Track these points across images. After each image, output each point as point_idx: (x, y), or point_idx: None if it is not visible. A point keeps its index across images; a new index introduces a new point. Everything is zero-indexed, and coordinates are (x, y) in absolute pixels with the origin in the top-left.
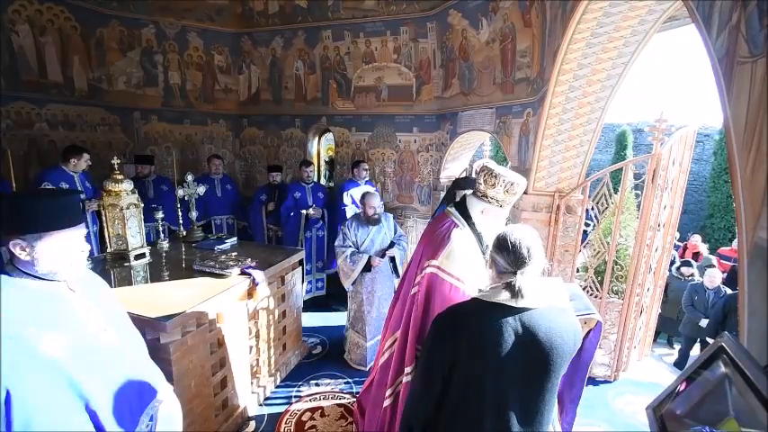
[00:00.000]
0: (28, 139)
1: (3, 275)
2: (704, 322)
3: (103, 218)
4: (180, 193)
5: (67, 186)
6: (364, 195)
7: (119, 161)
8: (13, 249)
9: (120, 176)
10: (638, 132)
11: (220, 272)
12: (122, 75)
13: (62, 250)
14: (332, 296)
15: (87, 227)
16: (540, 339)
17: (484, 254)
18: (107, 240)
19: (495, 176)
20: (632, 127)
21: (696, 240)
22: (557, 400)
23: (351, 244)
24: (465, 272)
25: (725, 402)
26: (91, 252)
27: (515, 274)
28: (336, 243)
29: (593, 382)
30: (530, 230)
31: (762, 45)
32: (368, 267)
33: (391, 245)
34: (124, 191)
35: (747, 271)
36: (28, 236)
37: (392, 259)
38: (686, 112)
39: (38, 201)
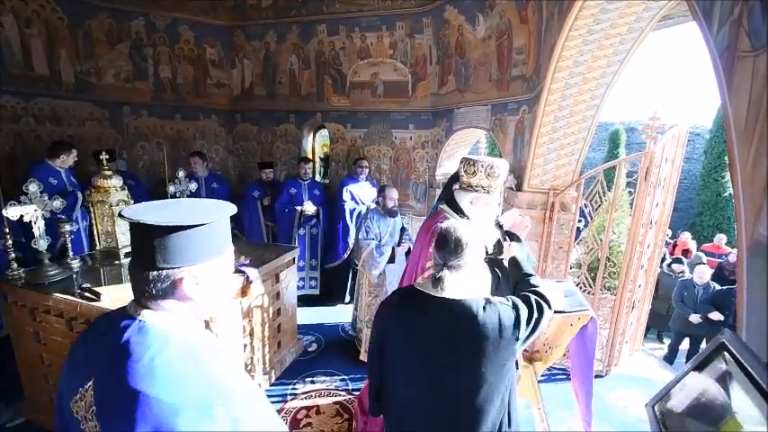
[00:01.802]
0: (13, 134)
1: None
2: (694, 318)
3: (92, 215)
4: (171, 189)
5: (55, 182)
6: (384, 188)
7: (107, 156)
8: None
9: (109, 172)
10: (631, 131)
11: None
12: (111, 68)
13: None
14: (325, 294)
15: (77, 223)
16: (461, 328)
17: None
18: (96, 238)
19: (474, 164)
20: (625, 125)
21: (686, 237)
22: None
23: (374, 236)
24: None
25: (726, 399)
26: (80, 249)
27: (443, 267)
28: (360, 236)
29: None
30: (466, 228)
31: (764, 38)
32: (392, 259)
33: (401, 237)
34: (113, 187)
35: (747, 267)
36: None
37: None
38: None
39: None
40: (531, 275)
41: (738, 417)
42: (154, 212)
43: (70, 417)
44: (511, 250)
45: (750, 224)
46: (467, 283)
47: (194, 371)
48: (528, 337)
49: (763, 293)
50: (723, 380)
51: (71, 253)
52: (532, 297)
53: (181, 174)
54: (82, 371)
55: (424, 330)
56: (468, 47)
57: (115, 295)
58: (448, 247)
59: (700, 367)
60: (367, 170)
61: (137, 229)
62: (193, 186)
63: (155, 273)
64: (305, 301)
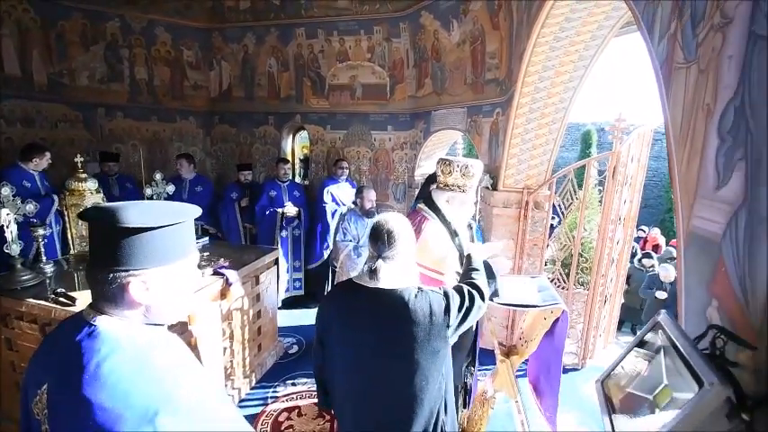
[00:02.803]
0: None
1: None
2: (661, 294)
3: (66, 218)
4: (148, 192)
5: (29, 186)
6: (362, 189)
7: (82, 159)
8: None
9: (83, 175)
10: (602, 131)
11: None
12: (85, 69)
13: None
14: (310, 295)
15: (51, 227)
16: (393, 316)
17: (456, 244)
18: (70, 242)
19: (449, 164)
20: (596, 126)
21: (656, 233)
22: (534, 389)
23: (351, 238)
24: (441, 262)
25: (660, 372)
26: (54, 254)
27: (377, 258)
28: (338, 239)
29: (563, 370)
30: (397, 219)
31: (694, 52)
32: None
33: None
34: (88, 190)
35: (684, 256)
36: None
37: None
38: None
39: None
40: (476, 270)
41: (669, 386)
42: (114, 212)
43: (33, 418)
44: (472, 248)
45: (686, 217)
46: (400, 273)
47: (141, 377)
48: (459, 324)
49: (698, 278)
50: (658, 354)
51: (44, 257)
52: (465, 287)
53: (158, 176)
54: (39, 373)
55: (360, 320)
56: (444, 51)
57: (88, 300)
58: (381, 240)
59: (640, 344)
60: (347, 171)
61: (92, 227)
62: (170, 189)
63: (106, 275)
64: (290, 303)
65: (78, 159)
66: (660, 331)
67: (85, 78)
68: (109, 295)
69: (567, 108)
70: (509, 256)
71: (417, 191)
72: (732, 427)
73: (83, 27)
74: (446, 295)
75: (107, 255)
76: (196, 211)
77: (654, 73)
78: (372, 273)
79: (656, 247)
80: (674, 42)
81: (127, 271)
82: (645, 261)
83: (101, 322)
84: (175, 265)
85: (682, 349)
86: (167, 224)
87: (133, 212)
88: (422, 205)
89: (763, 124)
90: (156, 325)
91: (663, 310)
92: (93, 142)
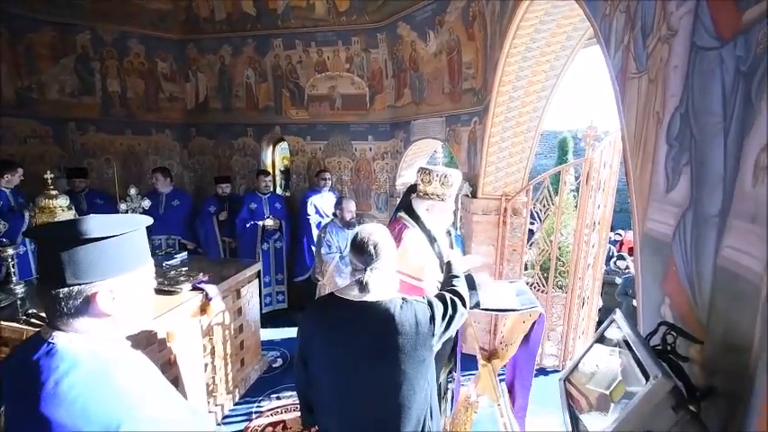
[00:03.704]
0: None
1: None
2: (635, 302)
3: None
4: (123, 207)
5: (1, 203)
6: (341, 200)
7: (52, 175)
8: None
9: (54, 192)
10: (578, 139)
11: (170, 288)
12: (55, 83)
13: None
14: (294, 308)
15: (24, 246)
16: (380, 328)
17: (436, 252)
18: None
19: (429, 173)
20: (572, 134)
21: (631, 236)
22: (508, 391)
23: (336, 250)
24: (421, 270)
25: (615, 368)
26: (28, 273)
27: (365, 270)
28: (323, 252)
29: (544, 372)
30: (380, 230)
31: (645, 63)
32: None
33: None
34: (59, 207)
35: (640, 257)
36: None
37: None
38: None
39: None
40: (456, 277)
41: (623, 381)
42: (72, 226)
43: None
44: (451, 255)
45: (641, 220)
46: (386, 284)
47: (102, 392)
48: (444, 332)
49: (652, 278)
50: (615, 351)
51: (15, 278)
52: (447, 295)
53: (132, 191)
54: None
55: (345, 334)
56: (422, 61)
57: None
58: (368, 252)
59: (599, 341)
60: (330, 182)
61: (43, 245)
62: (146, 203)
63: (65, 290)
64: (274, 316)
65: (48, 176)
66: (617, 328)
67: (55, 92)
68: (71, 311)
69: (541, 116)
70: (489, 266)
71: (399, 200)
72: (678, 419)
73: (52, 39)
74: (430, 304)
75: (67, 270)
76: (147, 219)
77: (611, 82)
78: (362, 286)
79: (631, 250)
80: (628, 53)
81: (91, 282)
82: (619, 263)
83: (59, 339)
84: (137, 272)
85: (633, 345)
86: (126, 232)
87: (90, 224)
88: (402, 214)
89: (705, 130)
90: (117, 341)
91: (617, 309)
92: (65, 158)
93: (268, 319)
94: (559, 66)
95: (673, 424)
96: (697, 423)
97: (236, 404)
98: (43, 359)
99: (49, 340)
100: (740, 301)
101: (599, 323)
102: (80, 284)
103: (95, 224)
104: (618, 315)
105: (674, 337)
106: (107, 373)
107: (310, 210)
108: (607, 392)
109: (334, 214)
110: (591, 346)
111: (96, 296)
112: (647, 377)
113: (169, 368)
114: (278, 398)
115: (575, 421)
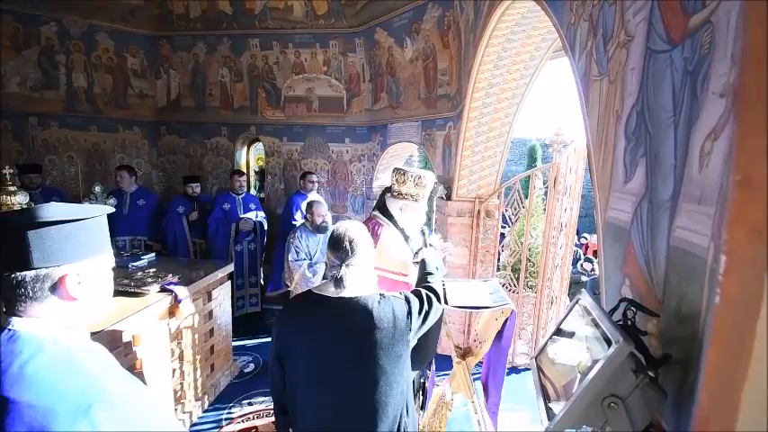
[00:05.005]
0: None
1: None
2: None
3: None
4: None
5: None
6: (311, 204)
7: (11, 171)
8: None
9: (13, 188)
10: (546, 146)
11: (136, 290)
12: (16, 75)
13: None
14: (268, 312)
15: None
16: (358, 324)
17: (411, 248)
18: None
19: (404, 174)
20: (540, 142)
21: (595, 240)
22: (483, 388)
23: (305, 256)
24: (405, 264)
25: (582, 341)
26: None
27: (340, 266)
28: (290, 258)
29: (516, 370)
30: (356, 226)
31: (606, 66)
32: None
33: None
34: (18, 204)
35: (603, 245)
36: None
37: None
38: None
39: None
40: (430, 274)
41: (589, 351)
42: (34, 212)
43: None
44: (424, 253)
45: (603, 210)
46: (363, 279)
47: (72, 374)
48: (420, 327)
49: (613, 263)
50: (581, 327)
51: None
52: (423, 291)
53: (97, 188)
54: None
55: (323, 331)
56: (398, 67)
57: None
58: (343, 248)
59: (565, 321)
60: (317, 184)
61: (6, 228)
62: (112, 201)
63: (32, 273)
64: (246, 321)
65: (7, 171)
66: (582, 308)
67: (15, 85)
68: (36, 295)
69: (512, 122)
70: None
71: (375, 202)
72: (638, 382)
73: (14, 30)
74: (407, 300)
75: (34, 252)
76: (108, 208)
77: (575, 85)
78: (338, 281)
79: (595, 253)
80: (591, 58)
81: (59, 266)
82: (585, 265)
83: (19, 325)
84: (101, 258)
85: (597, 319)
86: (91, 216)
87: (56, 209)
88: (376, 212)
89: (658, 124)
90: (78, 329)
91: (582, 290)
92: (24, 154)
93: (240, 323)
94: (529, 75)
95: (634, 387)
96: (655, 386)
97: (205, 411)
98: (5, 344)
99: (9, 327)
100: (690, 274)
101: None
102: (47, 267)
103: (60, 209)
104: (583, 294)
105: (634, 312)
106: (74, 358)
107: (297, 216)
108: (575, 365)
109: (305, 218)
110: (559, 326)
111: (65, 279)
112: (609, 345)
113: (134, 373)
114: (250, 404)
115: (546, 397)
